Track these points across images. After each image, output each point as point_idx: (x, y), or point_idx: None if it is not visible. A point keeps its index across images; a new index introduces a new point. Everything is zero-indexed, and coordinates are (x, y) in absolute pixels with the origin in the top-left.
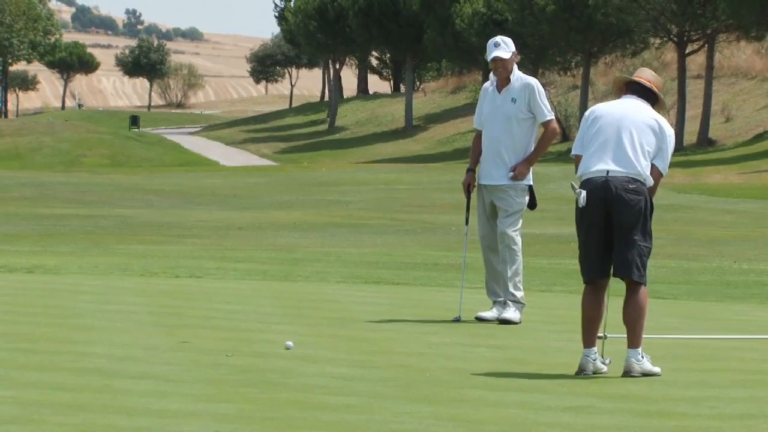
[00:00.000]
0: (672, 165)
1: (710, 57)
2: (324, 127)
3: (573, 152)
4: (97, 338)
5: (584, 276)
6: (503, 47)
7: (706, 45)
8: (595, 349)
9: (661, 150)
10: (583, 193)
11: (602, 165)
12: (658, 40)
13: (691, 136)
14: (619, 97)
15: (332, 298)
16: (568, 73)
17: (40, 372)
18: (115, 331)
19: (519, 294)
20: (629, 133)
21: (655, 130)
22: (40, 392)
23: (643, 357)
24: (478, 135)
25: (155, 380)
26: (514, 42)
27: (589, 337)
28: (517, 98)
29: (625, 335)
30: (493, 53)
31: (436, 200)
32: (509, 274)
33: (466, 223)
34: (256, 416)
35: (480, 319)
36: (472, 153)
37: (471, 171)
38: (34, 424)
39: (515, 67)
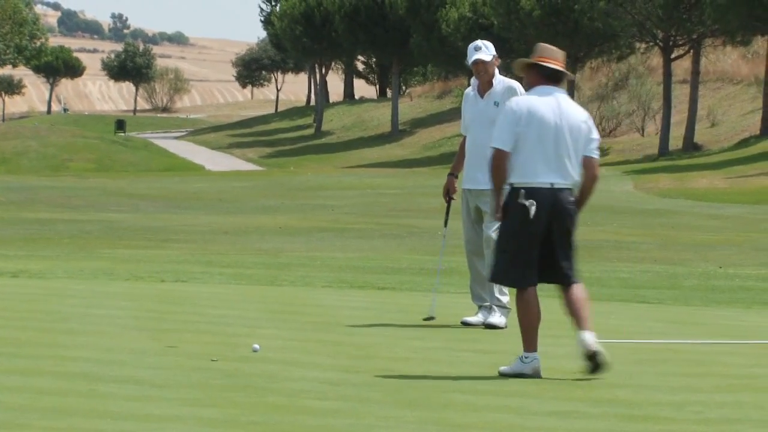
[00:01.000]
0: (658, 170)
1: (696, 62)
2: (310, 131)
3: (496, 145)
4: (82, 342)
5: (518, 282)
6: (484, 50)
7: (692, 50)
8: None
9: (591, 141)
10: (534, 204)
11: (547, 177)
12: (643, 45)
13: (676, 140)
14: (531, 83)
15: (318, 303)
16: None
17: (24, 376)
18: (100, 335)
19: (504, 299)
20: (566, 142)
21: (586, 131)
22: (24, 396)
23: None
24: (465, 140)
25: (140, 384)
26: (497, 47)
27: (534, 341)
28: (500, 101)
29: (614, 341)
30: (474, 56)
31: (422, 205)
32: None
33: (445, 225)
34: (242, 421)
35: (466, 324)
36: (457, 158)
37: (452, 176)
38: (20, 429)
39: (497, 71)
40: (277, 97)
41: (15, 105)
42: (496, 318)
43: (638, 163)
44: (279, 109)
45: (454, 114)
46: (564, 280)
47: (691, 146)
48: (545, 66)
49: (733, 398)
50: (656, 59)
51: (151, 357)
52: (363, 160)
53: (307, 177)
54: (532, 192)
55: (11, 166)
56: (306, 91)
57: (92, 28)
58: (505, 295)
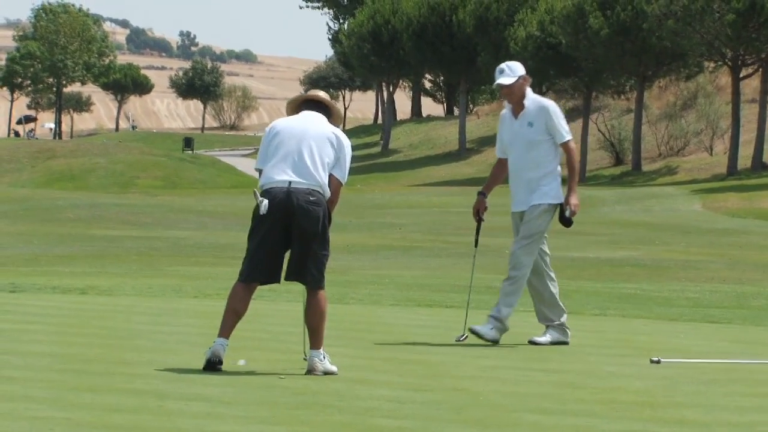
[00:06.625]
0: (726, 189)
1: (765, 81)
2: (377, 149)
3: (256, 166)
4: (150, 359)
5: (244, 275)
6: (507, 73)
7: (761, 69)
8: (228, 340)
9: (339, 160)
10: (265, 201)
11: (284, 176)
12: (712, 64)
13: (745, 160)
14: (296, 113)
15: (385, 321)
16: (622, 97)
17: (93, 393)
18: (168, 352)
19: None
20: (309, 146)
21: (332, 143)
22: (93, 413)
23: (324, 357)
24: (499, 162)
25: (209, 402)
26: (565, 65)
27: (227, 328)
28: (533, 122)
29: (683, 360)
30: (496, 81)
31: (488, 223)
32: (507, 291)
33: (475, 245)
34: None
35: (533, 344)
36: (489, 178)
37: (482, 195)
38: None
39: (529, 90)
40: (345, 114)
41: (83, 122)
42: (488, 332)
43: (706, 182)
44: (347, 127)
45: None
46: (298, 279)
47: (759, 166)
48: (309, 99)
49: None
50: (725, 78)
51: (219, 374)
52: (430, 178)
53: (374, 195)
54: (267, 192)
55: (79, 183)
56: (373, 109)
57: (160, 46)
58: (509, 308)
